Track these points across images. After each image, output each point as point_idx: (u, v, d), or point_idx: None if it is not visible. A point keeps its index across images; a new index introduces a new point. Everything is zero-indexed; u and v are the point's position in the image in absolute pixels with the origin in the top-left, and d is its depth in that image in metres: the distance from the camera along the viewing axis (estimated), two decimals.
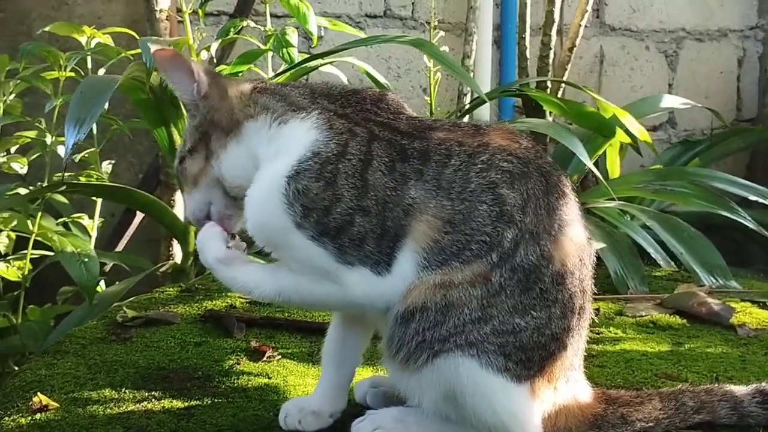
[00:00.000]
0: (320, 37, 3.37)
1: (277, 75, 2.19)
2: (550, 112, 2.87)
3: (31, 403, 1.21)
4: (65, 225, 2.37)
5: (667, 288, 2.05)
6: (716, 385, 1.25)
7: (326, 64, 2.26)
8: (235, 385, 1.34)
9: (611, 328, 1.73)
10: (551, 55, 2.91)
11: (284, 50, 2.16)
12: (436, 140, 1.10)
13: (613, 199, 2.48)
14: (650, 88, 3.48)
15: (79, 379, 1.34)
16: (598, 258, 2.14)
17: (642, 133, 2.61)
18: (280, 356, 1.48)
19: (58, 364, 1.41)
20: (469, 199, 1.05)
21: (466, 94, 2.93)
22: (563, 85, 2.93)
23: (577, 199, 1.16)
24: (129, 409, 1.22)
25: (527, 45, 2.95)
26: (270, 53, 2.21)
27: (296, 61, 2.08)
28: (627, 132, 2.54)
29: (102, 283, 2.31)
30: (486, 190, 1.06)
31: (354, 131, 1.08)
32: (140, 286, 2.11)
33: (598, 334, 1.69)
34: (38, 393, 1.24)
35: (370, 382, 1.25)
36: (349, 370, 1.20)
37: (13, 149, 2.11)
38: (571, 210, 1.12)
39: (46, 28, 2.14)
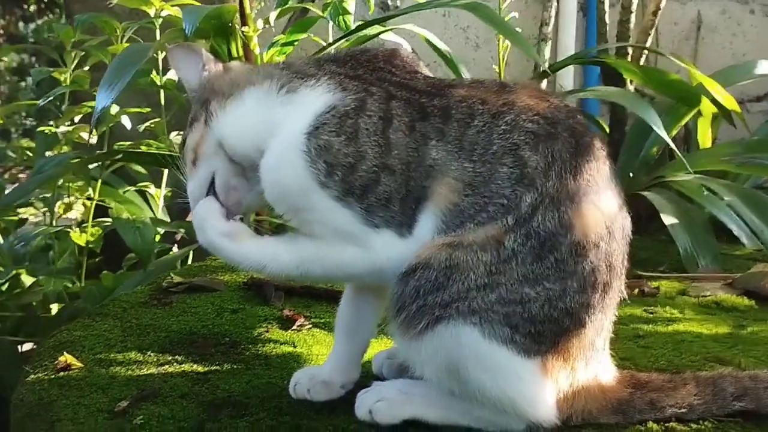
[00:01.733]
0: (396, 7, 3.33)
1: (334, 42, 2.16)
2: (632, 81, 2.73)
3: (57, 362, 1.25)
4: (141, 194, 2.45)
5: (742, 268, 1.91)
6: (765, 371, 1.14)
7: (386, 31, 2.21)
8: (260, 352, 1.33)
9: (667, 308, 1.62)
10: (632, 20, 2.75)
11: (340, 18, 2.12)
12: (458, 97, 1.04)
13: (704, 173, 2.32)
14: (754, 55, 3.21)
15: (110, 341, 1.36)
16: (669, 235, 2.06)
17: (729, 102, 2.42)
18: (311, 325, 1.47)
19: (95, 326, 1.44)
20: (491, 161, 0.99)
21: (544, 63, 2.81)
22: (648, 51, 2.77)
23: (612, 166, 1.08)
24: (149, 371, 1.23)
25: (606, 9, 2.81)
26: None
27: (351, 29, 2.04)
28: (714, 102, 2.37)
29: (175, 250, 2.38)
30: (508, 152, 1.00)
31: (370, 90, 1.03)
32: (201, 253, 2.15)
33: (651, 313, 1.59)
34: (65, 353, 1.27)
35: (387, 354, 1.21)
36: (361, 341, 1.16)
37: (77, 119, 2.18)
38: (601, 176, 1.03)
39: (114, 1, 2.19)
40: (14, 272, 2.14)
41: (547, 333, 0.99)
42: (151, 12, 2.22)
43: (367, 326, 1.16)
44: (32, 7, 7.55)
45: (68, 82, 2.13)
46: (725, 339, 1.43)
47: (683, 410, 1.08)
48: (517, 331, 0.97)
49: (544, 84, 2.68)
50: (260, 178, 1.05)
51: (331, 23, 2.22)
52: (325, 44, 2.20)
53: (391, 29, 2.23)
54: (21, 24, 7.89)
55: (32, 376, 1.22)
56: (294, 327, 1.45)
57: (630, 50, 2.76)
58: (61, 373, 1.21)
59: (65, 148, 2.27)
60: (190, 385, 1.18)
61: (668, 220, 2.11)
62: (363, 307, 1.16)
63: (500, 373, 0.98)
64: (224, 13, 1.93)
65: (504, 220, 0.98)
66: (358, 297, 1.16)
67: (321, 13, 2.17)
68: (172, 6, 2.24)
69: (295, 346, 1.36)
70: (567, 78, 3.14)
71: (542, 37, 2.89)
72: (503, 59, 2.50)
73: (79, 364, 1.24)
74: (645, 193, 2.34)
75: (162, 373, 1.23)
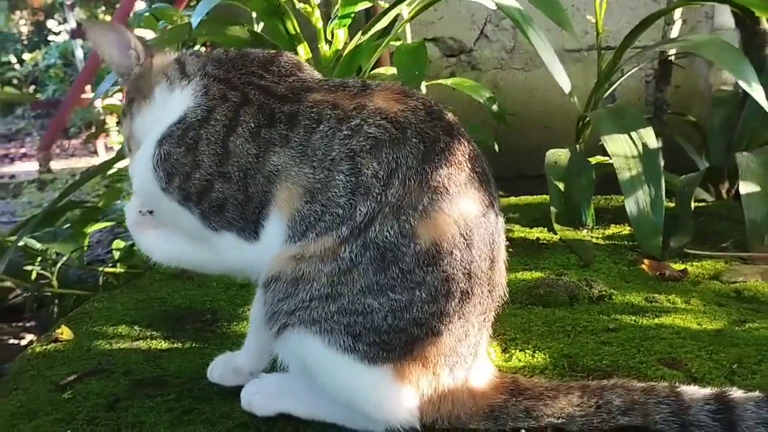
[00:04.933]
0: None
1: (395, 4, 2.14)
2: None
3: (56, 333, 1.46)
4: None
5: None
6: (665, 384, 1.06)
7: None
8: (228, 331, 1.46)
9: (673, 296, 1.51)
10: None
11: None
12: (309, 103, 1.06)
13: None
14: None
15: (113, 314, 1.56)
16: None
17: None
18: None
19: (117, 298, 1.65)
20: (329, 168, 1.01)
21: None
22: None
23: (478, 169, 1.04)
24: (120, 346, 1.40)
25: None
26: None
27: None
28: None
29: None
30: (345, 159, 1.01)
31: (227, 97, 1.09)
32: None
33: (650, 302, 1.49)
34: (63, 325, 1.48)
35: (224, 360, 1.25)
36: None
37: None
38: (454, 183, 1.01)
39: None
40: None
41: (395, 341, 1.00)
42: None
43: None
44: None
45: None
46: (706, 337, 1.31)
47: (561, 420, 1.05)
48: (360, 340, 0.99)
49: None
50: None
51: None
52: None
53: None
54: None
55: (36, 344, 1.45)
56: None
57: None
58: (51, 345, 1.43)
59: None
60: (141, 361, 1.33)
61: (746, 187, 1.90)
62: None
63: (345, 378, 1.01)
64: None
65: (339, 230, 0.99)
66: None
67: None
68: None
69: None
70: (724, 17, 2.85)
71: None
72: (601, 12, 2.36)
73: (68, 337, 1.45)
74: (738, 155, 2.12)
75: (127, 348, 1.40)
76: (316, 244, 1.01)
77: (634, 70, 2.74)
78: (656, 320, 1.40)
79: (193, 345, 1.40)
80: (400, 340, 1.00)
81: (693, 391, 1.04)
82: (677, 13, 2.60)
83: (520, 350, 1.30)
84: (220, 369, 1.23)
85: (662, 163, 1.86)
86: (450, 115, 1.08)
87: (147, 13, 2.25)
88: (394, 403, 1.03)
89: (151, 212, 1.19)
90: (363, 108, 1.04)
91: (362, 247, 0.98)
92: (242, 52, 1.18)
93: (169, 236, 1.17)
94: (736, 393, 1.02)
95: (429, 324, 1.00)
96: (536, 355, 1.28)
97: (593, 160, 2.15)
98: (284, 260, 1.02)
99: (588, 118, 2.29)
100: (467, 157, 1.03)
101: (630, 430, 1.03)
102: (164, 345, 1.40)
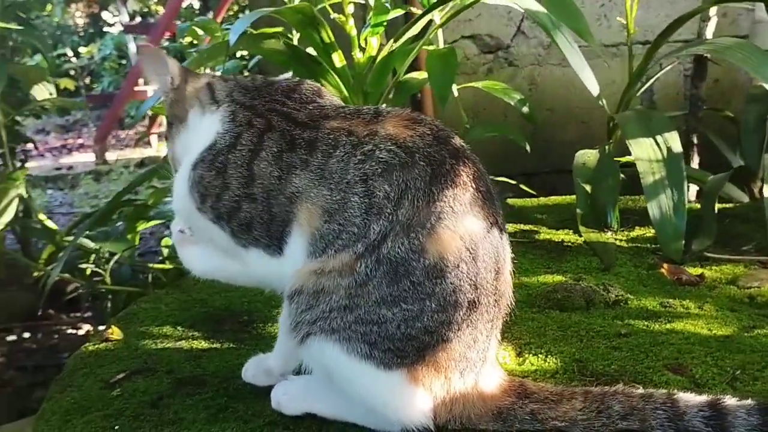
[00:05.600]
0: None
1: (427, 11, 2.21)
2: None
3: (105, 333, 1.59)
4: None
5: None
6: (663, 391, 1.13)
7: (474, 2, 2.21)
8: (263, 332, 1.57)
9: (687, 301, 1.56)
10: None
11: None
12: (327, 129, 1.16)
13: None
14: None
15: (159, 315, 1.69)
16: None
17: None
18: None
19: (163, 299, 1.78)
20: (345, 190, 1.11)
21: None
22: None
23: (482, 189, 1.13)
24: (165, 346, 1.52)
25: None
26: None
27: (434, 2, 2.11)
28: None
29: None
30: (359, 182, 1.10)
31: (252, 123, 1.19)
32: None
33: (665, 306, 1.55)
34: (113, 325, 1.61)
35: (256, 361, 1.35)
36: None
37: None
38: (459, 202, 1.09)
39: None
40: None
41: (408, 348, 1.09)
42: None
43: None
44: None
45: None
46: (714, 342, 1.37)
47: (565, 424, 1.12)
48: (376, 348, 1.09)
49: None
50: None
51: None
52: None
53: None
54: None
55: (89, 343, 1.58)
56: None
57: None
58: (102, 344, 1.56)
59: None
60: (183, 361, 1.45)
61: None
62: None
63: (363, 383, 1.11)
64: (305, 9, 2.11)
65: (355, 247, 1.09)
66: None
67: None
68: None
69: None
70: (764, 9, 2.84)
71: None
72: (631, 12, 2.39)
73: (118, 337, 1.57)
74: (766, 156, 2.15)
75: (171, 347, 1.51)
76: (335, 259, 1.10)
77: (671, 65, 2.75)
78: (668, 325, 1.46)
79: (231, 345, 1.51)
80: (412, 347, 1.09)
81: (689, 398, 1.10)
82: (713, 9, 2.60)
83: (534, 354, 1.37)
84: (253, 370, 1.34)
85: (685, 167, 1.90)
86: (457, 140, 1.16)
87: (190, 26, 2.37)
88: (409, 405, 1.12)
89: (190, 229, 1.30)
90: (375, 134, 1.13)
91: (376, 262, 1.08)
92: (267, 81, 1.28)
93: (206, 253, 1.28)
94: (729, 401, 1.08)
95: (439, 332, 1.09)
96: (548, 359, 1.35)
97: (623, 159, 2.19)
98: (306, 275, 1.12)
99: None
100: (471, 177, 1.12)
101: None
102: (204, 345, 1.52)
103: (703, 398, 1.10)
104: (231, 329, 1.59)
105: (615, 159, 2.21)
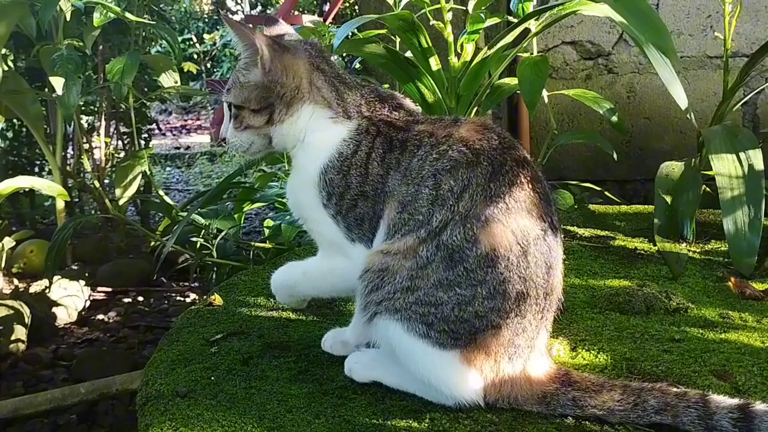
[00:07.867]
0: None
1: (522, 21, 2.32)
2: None
3: (208, 299, 1.81)
4: None
5: None
6: (697, 392, 1.22)
7: (569, 14, 2.30)
8: (351, 309, 1.73)
9: (746, 314, 1.63)
10: None
11: (520, 6, 2.32)
12: (415, 132, 1.33)
13: None
14: None
15: (256, 287, 1.89)
16: None
17: None
18: None
19: (260, 273, 1.98)
20: (418, 184, 1.27)
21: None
22: None
23: (541, 191, 1.26)
24: (258, 314, 1.72)
25: None
26: None
27: (529, 12, 2.22)
28: None
29: None
30: (431, 176, 1.26)
31: (369, 130, 1.36)
32: None
33: (723, 317, 1.62)
34: (215, 293, 1.82)
35: (334, 333, 1.52)
36: None
37: None
38: (516, 201, 1.23)
39: None
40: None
41: (461, 331, 1.23)
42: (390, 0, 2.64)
43: None
44: None
45: None
46: (764, 355, 1.43)
47: (603, 412, 1.24)
48: (432, 328, 1.24)
49: None
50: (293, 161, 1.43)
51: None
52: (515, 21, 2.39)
53: (575, 11, 2.32)
54: None
55: (193, 306, 1.80)
56: None
57: None
58: (206, 308, 1.77)
59: None
60: (272, 328, 1.64)
61: None
62: None
63: (420, 359, 1.26)
64: (406, 15, 2.26)
65: (419, 232, 1.24)
66: None
67: None
68: None
69: None
70: None
71: None
72: (729, 26, 2.42)
73: (219, 303, 1.78)
74: None
75: (263, 316, 1.71)
76: (400, 242, 1.26)
77: None
78: (722, 335, 1.53)
79: (314, 318, 1.69)
80: (465, 330, 1.23)
81: (720, 400, 1.19)
82: None
83: (587, 350, 1.48)
84: (331, 340, 1.51)
85: (765, 185, 1.94)
86: (521, 149, 1.30)
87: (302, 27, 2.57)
88: (462, 382, 1.26)
89: None
90: (450, 136, 1.28)
91: (436, 248, 1.23)
92: (380, 92, 1.43)
93: (296, 264, 1.48)
94: (759, 406, 1.16)
95: (488, 317, 1.22)
96: (600, 355, 1.46)
97: (711, 173, 2.23)
98: (374, 254, 1.29)
99: None
100: (529, 179, 1.25)
101: (661, 427, 1.20)
102: (291, 316, 1.71)
103: (734, 401, 1.19)
104: (316, 304, 1.77)
105: (701, 172, 2.26)
